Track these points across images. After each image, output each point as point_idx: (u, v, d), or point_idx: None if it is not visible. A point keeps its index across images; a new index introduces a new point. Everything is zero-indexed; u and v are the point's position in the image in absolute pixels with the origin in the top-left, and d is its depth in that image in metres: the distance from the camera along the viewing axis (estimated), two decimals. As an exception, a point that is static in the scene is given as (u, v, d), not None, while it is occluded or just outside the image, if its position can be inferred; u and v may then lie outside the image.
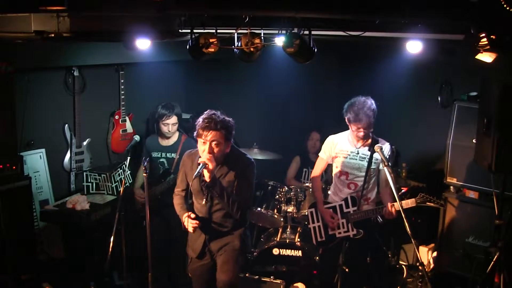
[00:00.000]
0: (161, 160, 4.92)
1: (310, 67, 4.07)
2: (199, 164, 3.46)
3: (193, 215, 3.62)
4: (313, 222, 4.52)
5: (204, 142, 3.48)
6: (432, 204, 4.08)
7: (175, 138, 4.94)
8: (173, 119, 4.84)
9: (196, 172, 3.42)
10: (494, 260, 3.73)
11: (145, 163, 3.94)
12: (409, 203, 4.06)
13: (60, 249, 5.19)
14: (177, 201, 3.86)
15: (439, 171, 5.09)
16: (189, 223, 3.59)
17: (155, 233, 4.74)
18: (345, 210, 4.34)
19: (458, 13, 2.87)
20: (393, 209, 4.10)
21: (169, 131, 4.85)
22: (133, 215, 4.78)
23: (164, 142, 4.93)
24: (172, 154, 4.88)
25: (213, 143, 3.47)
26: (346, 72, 6.39)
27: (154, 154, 4.92)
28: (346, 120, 4.23)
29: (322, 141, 4.62)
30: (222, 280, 3.71)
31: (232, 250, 3.74)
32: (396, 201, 3.91)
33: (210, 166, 3.41)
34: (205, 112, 3.58)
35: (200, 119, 3.53)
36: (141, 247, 4.30)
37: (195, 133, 3.57)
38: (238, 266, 3.81)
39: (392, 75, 5.55)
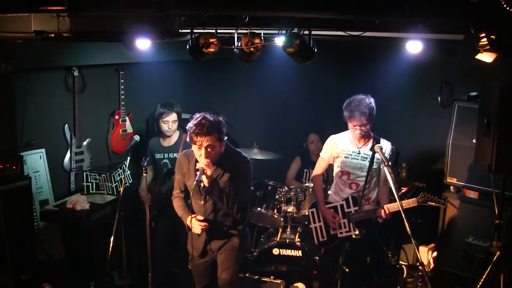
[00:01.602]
0: (164, 161, 4.95)
1: (310, 67, 4.06)
2: (197, 170, 3.47)
3: (200, 217, 3.64)
4: (314, 222, 4.52)
5: (199, 148, 3.50)
6: (433, 203, 4.08)
7: (175, 137, 4.95)
8: (173, 117, 4.86)
9: (196, 180, 3.42)
10: (494, 260, 3.73)
11: (145, 163, 3.95)
12: (410, 202, 4.06)
13: (60, 249, 5.19)
14: (177, 203, 3.88)
15: (439, 171, 5.09)
16: (197, 225, 3.62)
17: (160, 232, 4.77)
18: (346, 210, 4.34)
19: (458, 13, 2.87)
20: (387, 212, 4.11)
21: (169, 128, 4.86)
22: (135, 215, 4.77)
23: (166, 143, 4.96)
24: (174, 154, 4.90)
25: (208, 148, 3.49)
26: (346, 72, 6.38)
27: (157, 156, 4.96)
28: (344, 117, 4.23)
29: (322, 141, 4.61)
30: (223, 279, 3.75)
31: (232, 248, 3.77)
32: (395, 201, 3.91)
33: (208, 172, 3.44)
34: (195, 117, 3.56)
35: (191, 125, 3.52)
36: (144, 247, 4.31)
37: (187, 139, 3.58)
38: (238, 264, 3.86)
39: (392, 75, 5.54)
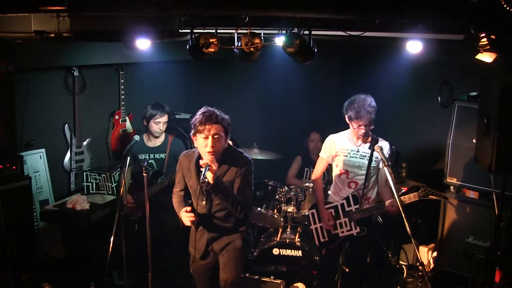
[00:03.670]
0: (150, 161, 4.87)
1: (310, 67, 4.07)
2: (201, 166, 3.44)
3: (189, 208, 3.60)
4: (315, 223, 4.52)
5: (205, 137, 3.43)
6: (434, 197, 4.08)
7: (162, 138, 4.92)
8: (165, 118, 4.85)
9: (202, 176, 3.37)
10: (494, 260, 3.73)
11: (145, 163, 3.93)
12: (411, 197, 4.06)
13: (60, 249, 5.19)
14: (175, 199, 3.85)
15: (439, 171, 5.09)
16: (186, 217, 3.58)
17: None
18: (347, 209, 4.34)
19: (458, 13, 2.87)
20: (396, 204, 4.09)
21: (160, 129, 4.84)
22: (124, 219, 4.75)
23: (151, 143, 4.91)
24: (161, 155, 4.87)
25: (215, 136, 3.44)
26: (346, 72, 6.39)
27: (141, 156, 4.86)
28: (347, 118, 4.22)
29: (322, 141, 4.61)
30: (225, 280, 3.72)
31: (234, 249, 3.74)
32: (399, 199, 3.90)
33: (214, 167, 3.38)
34: (201, 109, 3.54)
35: (198, 115, 3.48)
36: (134, 249, 4.31)
37: (192, 131, 3.52)
38: (241, 265, 3.83)
39: (392, 75, 5.55)
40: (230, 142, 3.80)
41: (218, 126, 3.44)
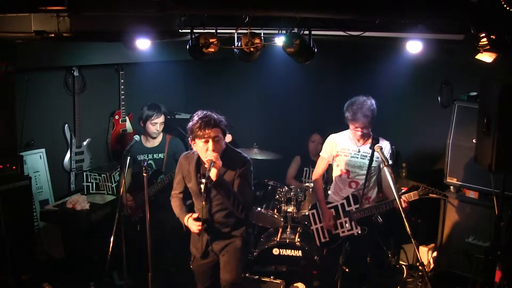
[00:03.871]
0: (149, 162, 4.85)
1: (310, 67, 4.07)
2: (203, 164, 3.43)
3: (195, 215, 3.61)
4: (315, 224, 4.52)
5: (206, 141, 3.44)
6: (434, 195, 4.07)
7: (160, 138, 4.93)
8: (161, 118, 4.85)
9: (206, 173, 3.38)
10: (494, 260, 3.73)
11: (145, 163, 3.93)
12: (411, 196, 4.06)
13: (60, 249, 5.19)
14: (175, 203, 3.84)
15: (439, 171, 5.09)
16: (193, 225, 3.60)
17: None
18: (347, 208, 4.34)
19: (458, 13, 2.87)
20: (407, 200, 4.07)
21: (157, 130, 4.84)
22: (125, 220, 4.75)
23: (149, 144, 4.92)
24: (160, 155, 4.87)
25: (216, 139, 3.45)
26: (346, 72, 6.39)
27: (140, 157, 4.86)
28: (345, 118, 4.23)
29: (323, 143, 4.61)
30: (225, 280, 3.73)
31: (235, 249, 3.75)
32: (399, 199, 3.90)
33: (218, 163, 3.40)
34: (196, 114, 3.53)
35: (195, 121, 3.48)
36: (136, 250, 4.31)
37: (190, 137, 3.52)
38: (241, 265, 3.84)
39: (392, 75, 5.54)
40: (230, 136, 3.80)
41: (216, 129, 3.46)
